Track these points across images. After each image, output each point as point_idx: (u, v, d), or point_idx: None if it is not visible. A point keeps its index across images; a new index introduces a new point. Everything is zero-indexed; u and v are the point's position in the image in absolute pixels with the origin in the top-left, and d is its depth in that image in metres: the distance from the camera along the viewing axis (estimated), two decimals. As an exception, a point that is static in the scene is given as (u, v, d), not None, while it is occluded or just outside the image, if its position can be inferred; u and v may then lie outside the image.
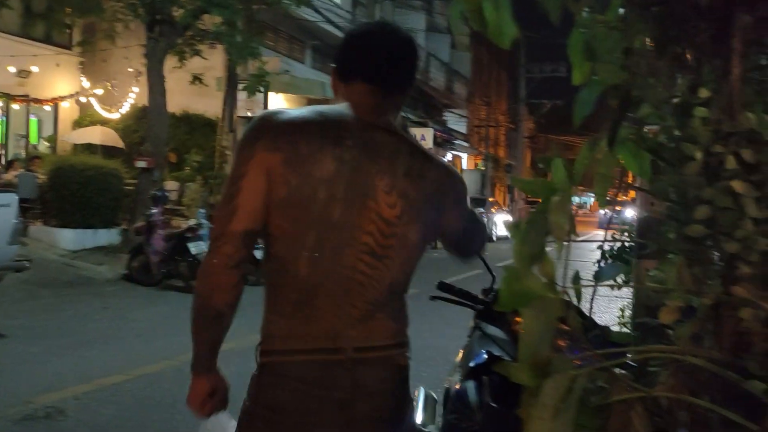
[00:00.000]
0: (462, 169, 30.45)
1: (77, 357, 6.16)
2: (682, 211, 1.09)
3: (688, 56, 1.20)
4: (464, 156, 33.29)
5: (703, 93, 1.07)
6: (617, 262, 1.60)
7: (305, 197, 1.38)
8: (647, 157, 1.25)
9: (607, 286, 1.56)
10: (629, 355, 1.36)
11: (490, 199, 25.64)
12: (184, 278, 10.01)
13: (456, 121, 33.30)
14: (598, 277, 1.44)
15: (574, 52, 1.03)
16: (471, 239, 1.64)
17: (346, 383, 1.40)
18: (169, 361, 5.95)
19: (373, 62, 1.51)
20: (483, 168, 34.41)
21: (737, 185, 0.98)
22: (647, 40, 1.21)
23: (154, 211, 10.65)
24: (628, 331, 1.51)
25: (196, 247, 9.88)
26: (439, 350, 5.99)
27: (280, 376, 1.41)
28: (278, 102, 17.14)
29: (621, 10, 1.15)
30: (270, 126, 1.43)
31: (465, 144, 32.72)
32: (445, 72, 30.67)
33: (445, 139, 28.07)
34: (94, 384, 5.37)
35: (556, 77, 37.71)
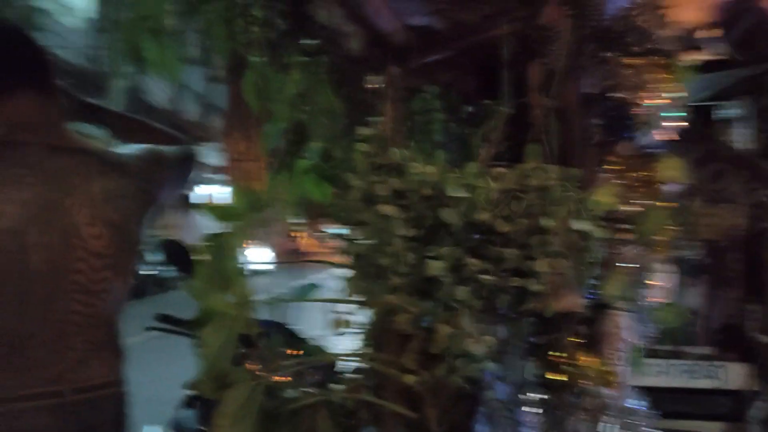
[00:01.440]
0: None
1: None
2: (351, 231, 1.25)
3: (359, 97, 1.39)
4: (224, 190, 32.82)
5: (364, 131, 1.24)
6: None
7: None
8: (328, 186, 1.41)
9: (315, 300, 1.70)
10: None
11: (249, 233, 25.50)
12: None
13: (212, 155, 32.75)
14: (295, 294, 1.57)
15: (248, 94, 1.14)
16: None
17: (72, 427, 1.31)
18: None
19: (12, 61, 1.32)
20: (241, 201, 34.20)
21: (387, 209, 1.16)
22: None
23: None
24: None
25: None
26: (171, 388, 5.79)
27: None
28: None
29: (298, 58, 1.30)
30: None
31: (222, 177, 32.26)
32: (200, 104, 30.10)
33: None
34: None
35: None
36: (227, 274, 1.16)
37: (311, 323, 1.83)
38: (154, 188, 1.45)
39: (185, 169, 1.58)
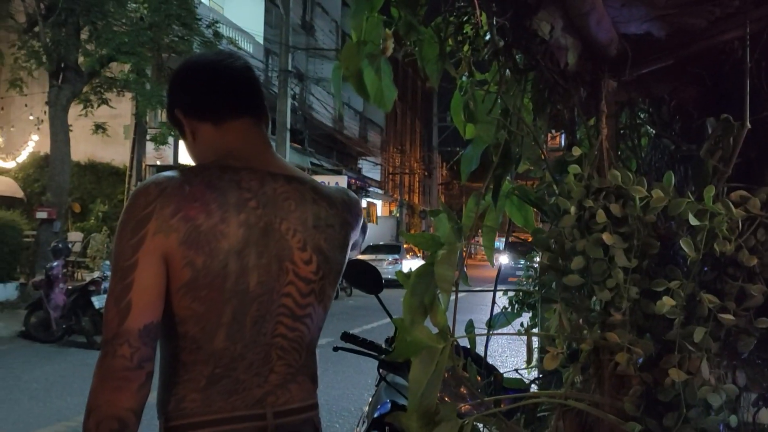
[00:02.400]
0: (377, 216, 30.82)
1: (-35, 422, 5.74)
2: (561, 261, 1.15)
3: (565, 115, 1.29)
4: (379, 203, 33.70)
5: (576, 151, 1.14)
6: (509, 310, 1.67)
7: (214, 275, 1.26)
8: (531, 210, 1.32)
9: (503, 334, 1.61)
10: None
11: (405, 246, 25.94)
12: (87, 334, 9.55)
13: (370, 169, 33.75)
14: (491, 324, 1.49)
15: (455, 114, 1.08)
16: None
17: None
18: (66, 422, 5.62)
19: (240, 91, 1.40)
20: (397, 215, 34.89)
21: (607, 237, 1.05)
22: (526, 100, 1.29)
23: (54, 264, 10.15)
24: (525, 376, 1.55)
25: (100, 301, 9.46)
26: (353, 401, 5.93)
27: None
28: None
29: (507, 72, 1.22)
30: (158, 202, 1.25)
31: (379, 191, 33.14)
32: (359, 120, 31.15)
33: (360, 186, 28.42)
34: (-17, 451, 5.02)
35: (466, 126, 38.70)
36: (433, 305, 1.10)
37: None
38: (354, 223, 1.47)
39: (364, 224, 1.60)
